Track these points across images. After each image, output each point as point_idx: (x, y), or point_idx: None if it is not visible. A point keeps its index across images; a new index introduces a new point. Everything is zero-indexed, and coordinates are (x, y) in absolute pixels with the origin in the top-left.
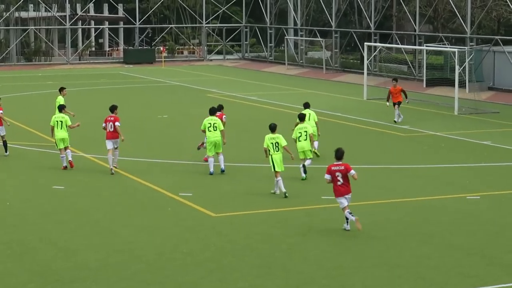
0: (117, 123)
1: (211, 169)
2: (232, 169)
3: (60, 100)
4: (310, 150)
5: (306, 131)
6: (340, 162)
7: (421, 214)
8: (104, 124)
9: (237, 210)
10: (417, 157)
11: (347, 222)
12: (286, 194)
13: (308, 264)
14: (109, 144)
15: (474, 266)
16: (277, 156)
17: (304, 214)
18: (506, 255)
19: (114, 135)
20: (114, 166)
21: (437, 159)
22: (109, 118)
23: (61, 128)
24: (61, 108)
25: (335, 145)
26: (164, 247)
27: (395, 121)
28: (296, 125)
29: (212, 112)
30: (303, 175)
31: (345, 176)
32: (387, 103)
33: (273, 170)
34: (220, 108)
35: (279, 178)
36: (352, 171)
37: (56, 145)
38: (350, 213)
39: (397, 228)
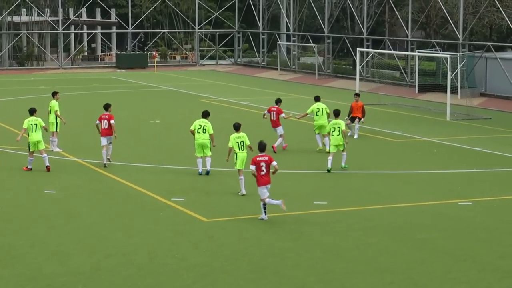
0: (112, 121)
1: (200, 170)
2: (223, 174)
3: (54, 104)
4: (343, 144)
5: (339, 127)
6: (264, 154)
7: (413, 220)
8: (97, 122)
9: (229, 215)
10: (409, 163)
11: (265, 212)
12: (243, 194)
13: (300, 269)
14: (104, 141)
15: (466, 271)
16: (241, 155)
17: (296, 219)
18: (498, 261)
19: (108, 132)
20: (108, 159)
21: (429, 165)
22: (103, 116)
23: (35, 131)
24: (33, 111)
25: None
26: (156, 252)
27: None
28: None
29: (205, 115)
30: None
31: (268, 167)
32: (346, 118)
33: (236, 168)
34: (278, 101)
35: (242, 176)
36: (274, 162)
37: (29, 147)
38: (273, 199)
39: (389, 233)
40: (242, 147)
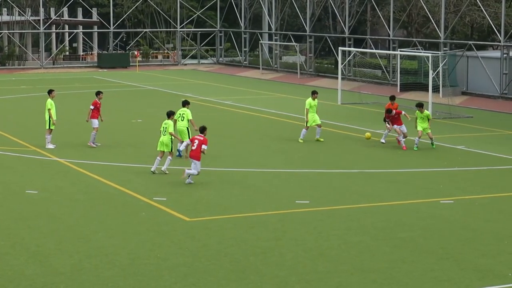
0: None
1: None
2: (206, 174)
3: (47, 102)
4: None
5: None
6: (202, 135)
7: (395, 219)
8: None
9: (211, 214)
10: (391, 162)
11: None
12: (166, 172)
13: (282, 269)
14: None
15: (447, 270)
16: (163, 139)
17: (278, 219)
18: (479, 259)
19: None
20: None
21: (411, 163)
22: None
23: None
24: None
25: (311, 149)
26: (137, 252)
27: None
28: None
29: (184, 104)
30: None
31: (200, 145)
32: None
33: (158, 149)
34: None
35: (169, 157)
36: (205, 146)
37: None
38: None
39: (372, 232)
40: (165, 132)
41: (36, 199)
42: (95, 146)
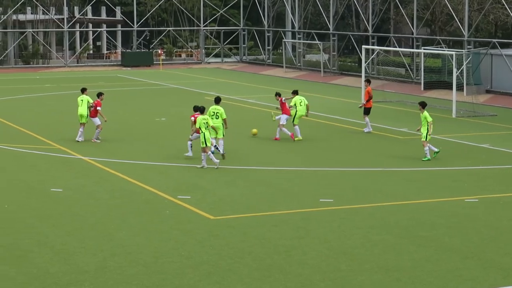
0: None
1: (212, 149)
2: (228, 172)
3: (87, 98)
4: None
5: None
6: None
7: (419, 217)
8: None
9: (235, 213)
10: (415, 160)
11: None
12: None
13: (306, 267)
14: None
15: (472, 269)
16: (207, 133)
17: (301, 217)
18: (503, 258)
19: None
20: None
21: (435, 162)
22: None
23: None
24: None
25: (334, 148)
26: (161, 250)
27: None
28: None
29: (217, 101)
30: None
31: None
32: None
33: (203, 145)
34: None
35: (209, 152)
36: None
37: None
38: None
39: (395, 231)
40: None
41: (60, 197)
42: (99, 141)
